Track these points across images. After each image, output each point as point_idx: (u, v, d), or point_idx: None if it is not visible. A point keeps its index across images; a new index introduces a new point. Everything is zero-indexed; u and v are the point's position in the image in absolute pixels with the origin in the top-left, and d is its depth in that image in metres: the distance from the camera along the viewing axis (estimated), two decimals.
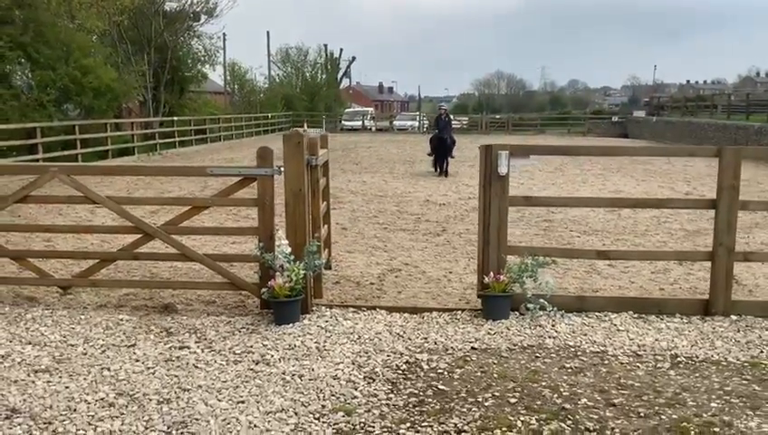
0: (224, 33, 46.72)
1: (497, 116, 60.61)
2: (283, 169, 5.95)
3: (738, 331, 5.64)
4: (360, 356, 5.08)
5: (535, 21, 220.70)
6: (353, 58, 70.91)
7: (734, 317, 5.94)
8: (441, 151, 19.10)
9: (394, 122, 54.44)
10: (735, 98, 39.66)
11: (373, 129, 52.71)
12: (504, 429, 3.88)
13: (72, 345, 5.35)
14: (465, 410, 4.15)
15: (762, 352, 5.18)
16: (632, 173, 19.50)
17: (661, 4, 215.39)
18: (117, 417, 4.08)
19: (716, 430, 3.87)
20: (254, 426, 3.96)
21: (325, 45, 64.32)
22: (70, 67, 23.04)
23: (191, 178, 16.42)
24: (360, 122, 52.84)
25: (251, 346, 5.29)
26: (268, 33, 62.17)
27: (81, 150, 21.89)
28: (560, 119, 59.99)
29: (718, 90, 71.82)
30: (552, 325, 5.72)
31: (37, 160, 18.33)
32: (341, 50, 68.17)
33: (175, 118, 31.50)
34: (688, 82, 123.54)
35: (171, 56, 33.93)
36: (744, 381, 4.60)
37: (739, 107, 35.03)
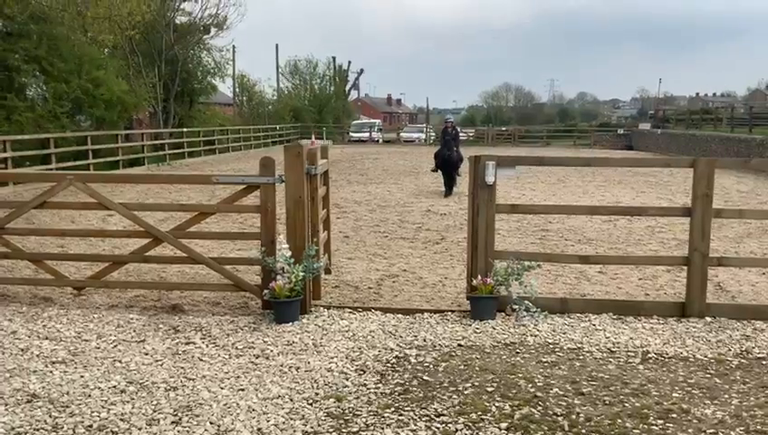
0: (233, 46, 47.45)
1: (504, 128, 61.01)
2: (284, 177, 6.36)
3: (710, 331, 5.99)
4: (354, 351, 5.47)
5: (544, 33, 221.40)
6: (361, 70, 71.59)
7: (708, 319, 6.29)
8: (447, 168, 17.30)
9: (401, 134, 54.90)
10: (743, 111, 39.92)
11: (380, 140, 53.15)
12: (479, 413, 4.27)
13: (86, 340, 5.77)
14: (445, 397, 4.54)
15: (729, 350, 5.53)
16: (633, 184, 19.82)
17: (672, 17, 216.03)
18: (128, 401, 4.49)
19: (674, 416, 4.24)
20: (253, 410, 4.35)
21: (333, 58, 65.04)
22: (82, 79, 23.61)
23: (200, 189, 16.90)
24: (367, 134, 53.27)
25: (252, 342, 5.69)
26: (277, 45, 62.92)
27: (93, 161, 22.42)
28: (566, 131, 60.30)
29: (727, 103, 71.96)
30: (535, 325, 6.10)
31: (50, 170, 18.82)
32: (350, 62, 68.86)
33: (184, 129, 32.08)
34: (698, 94, 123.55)
35: (181, 68, 34.51)
36: (707, 375, 4.96)
37: (743, 120, 35.32)
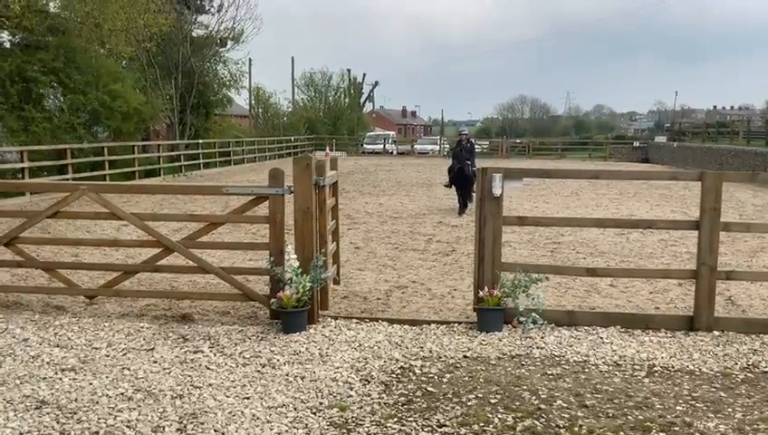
0: (249, 59, 47.87)
1: (518, 140, 60.97)
2: (292, 188, 6.43)
3: (718, 345, 5.97)
4: (359, 362, 5.50)
5: (561, 45, 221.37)
6: (376, 83, 72.07)
7: (716, 333, 6.27)
8: (460, 185, 15.96)
9: (415, 146, 55.03)
10: (761, 124, 39.64)
11: (394, 152, 53.26)
12: (481, 424, 4.29)
13: (96, 348, 5.85)
14: (449, 408, 4.57)
15: (736, 364, 5.51)
16: (648, 198, 19.73)
17: (690, 29, 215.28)
18: (134, 409, 4.55)
19: (677, 429, 4.24)
20: (257, 418, 4.40)
21: (348, 70, 65.39)
22: (100, 91, 23.89)
23: (214, 200, 17.05)
24: (381, 146, 53.40)
25: (259, 351, 5.74)
26: (293, 58, 63.48)
27: (110, 171, 22.66)
28: (581, 143, 60.15)
29: (745, 115, 71.41)
30: (542, 337, 6.10)
31: (67, 180, 19.04)
32: (365, 75, 69.31)
33: (200, 140, 32.35)
34: (715, 107, 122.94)
35: (198, 81, 34.82)
36: (712, 389, 4.95)
37: (759, 133, 35.08)
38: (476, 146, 43.76)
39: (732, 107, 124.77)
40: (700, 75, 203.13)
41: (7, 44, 23.40)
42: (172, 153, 29.31)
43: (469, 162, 15.96)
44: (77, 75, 23.14)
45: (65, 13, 23.51)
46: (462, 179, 15.86)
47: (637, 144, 50.53)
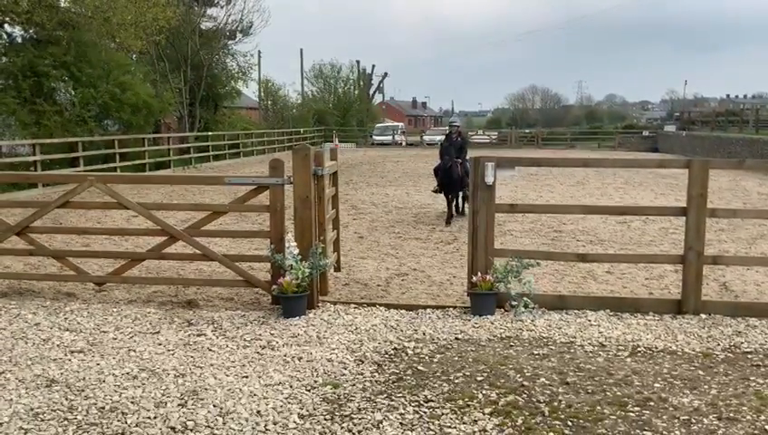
0: (258, 51, 48.14)
1: (527, 130, 60.91)
2: (292, 178, 6.66)
3: (703, 327, 6.15)
4: (355, 344, 5.74)
5: (573, 35, 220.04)
6: (385, 74, 72.04)
7: (703, 316, 6.45)
8: (450, 187, 13.33)
9: (424, 137, 55.15)
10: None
11: (403, 143, 53.37)
12: (466, 399, 4.52)
13: (104, 332, 6.12)
14: (436, 385, 4.80)
15: (718, 344, 5.70)
16: (653, 187, 19.80)
17: (704, 17, 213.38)
18: (139, 386, 4.82)
19: (652, 404, 4.45)
20: (254, 395, 4.65)
21: (357, 62, 65.47)
22: (110, 85, 24.20)
23: (223, 192, 17.32)
24: (390, 137, 53.53)
25: (259, 334, 5.99)
26: (301, 50, 63.83)
27: (120, 164, 23.00)
28: (590, 133, 59.96)
29: (758, 104, 70.84)
30: (532, 320, 6.32)
31: (78, 173, 19.36)
32: (374, 66, 69.38)
33: (209, 133, 32.66)
34: (728, 96, 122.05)
35: (207, 74, 35.11)
36: (691, 368, 5.15)
37: None
38: (485, 136, 43.40)
39: (745, 96, 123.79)
40: (715, 64, 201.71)
41: (19, 39, 23.75)
42: (182, 146, 29.63)
43: (459, 160, 13.19)
44: (88, 69, 23.46)
45: (75, 7, 23.80)
46: (450, 183, 13.24)
47: (646, 133, 50.37)
